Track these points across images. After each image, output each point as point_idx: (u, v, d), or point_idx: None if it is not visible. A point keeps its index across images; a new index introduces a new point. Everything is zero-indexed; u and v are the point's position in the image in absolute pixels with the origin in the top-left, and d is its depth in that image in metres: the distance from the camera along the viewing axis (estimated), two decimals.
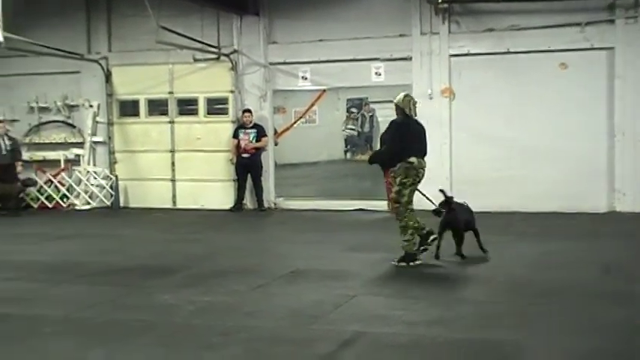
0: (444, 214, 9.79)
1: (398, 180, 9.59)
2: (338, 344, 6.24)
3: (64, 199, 16.84)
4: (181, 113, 16.66)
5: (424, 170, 9.66)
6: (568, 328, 6.67)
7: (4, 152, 15.86)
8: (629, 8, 14.05)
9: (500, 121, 14.67)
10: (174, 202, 16.67)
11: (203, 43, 15.57)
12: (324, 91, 16.29)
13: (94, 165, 17.00)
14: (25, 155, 16.58)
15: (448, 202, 9.88)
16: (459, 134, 14.88)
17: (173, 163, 16.67)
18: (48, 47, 15.17)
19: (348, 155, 24.98)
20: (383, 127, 24.83)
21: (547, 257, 10.13)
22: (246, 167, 15.70)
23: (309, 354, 6.08)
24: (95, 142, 16.98)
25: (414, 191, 9.64)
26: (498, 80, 14.70)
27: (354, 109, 24.90)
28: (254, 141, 15.61)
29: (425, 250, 9.64)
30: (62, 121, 17.41)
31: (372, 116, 25.57)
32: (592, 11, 14.19)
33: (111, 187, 16.68)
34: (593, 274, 8.95)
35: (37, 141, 17.33)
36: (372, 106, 25.24)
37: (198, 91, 16.37)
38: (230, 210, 15.73)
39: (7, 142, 15.97)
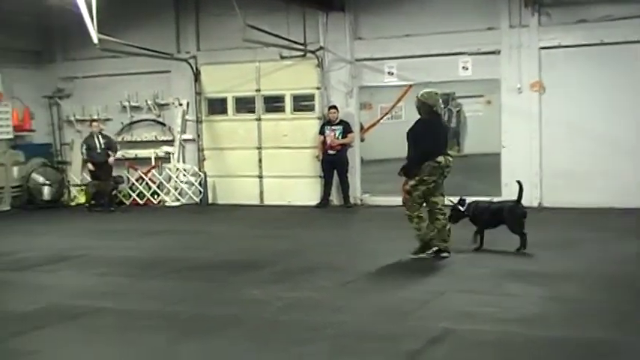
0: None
1: (419, 176, 9.49)
2: (426, 341, 6.16)
3: (155, 196, 17.20)
4: (268, 110, 16.77)
5: (450, 167, 9.61)
6: None
7: (98, 150, 16.34)
8: None
9: (593, 115, 14.22)
10: (261, 199, 16.80)
11: (289, 40, 15.64)
12: (411, 86, 16.10)
13: (184, 162, 17.30)
14: (118, 153, 16.98)
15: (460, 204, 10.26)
16: (549, 128, 14.50)
17: (260, 160, 16.81)
18: (139, 48, 15.49)
19: None
20: (470, 123, 24.76)
21: None
22: (332, 163, 15.69)
23: (396, 351, 6.03)
24: (184, 140, 17.27)
25: (429, 190, 9.55)
26: (591, 73, 14.23)
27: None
28: (340, 137, 15.60)
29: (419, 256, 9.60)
30: (153, 120, 17.77)
31: (459, 111, 25.33)
32: None
33: (200, 184, 16.94)
34: None
35: (128, 139, 17.73)
36: (458, 100, 25.01)
37: (284, 88, 16.44)
38: (316, 206, 15.75)
39: (102, 141, 16.43)
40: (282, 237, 12.29)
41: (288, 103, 16.54)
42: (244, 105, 16.96)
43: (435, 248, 9.62)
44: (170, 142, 17.33)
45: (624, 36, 13.90)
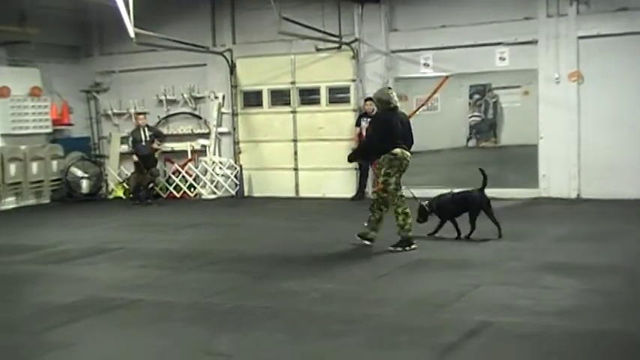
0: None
1: (383, 171, 9.91)
2: (463, 334, 6.13)
3: (191, 189, 17.32)
4: (303, 103, 16.79)
5: (408, 161, 9.95)
6: None
7: (144, 143, 16.51)
8: None
9: (632, 105, 14.00)
10: (296, 191, 16.84)
11: (324, 32, 15.62)
12: (447, 77, 16.01)
13: (220, 155, 17.39)
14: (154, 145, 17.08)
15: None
16: (588, 119, 14.31)
17: (295, 153, 16.84)
18: (175, 41, 15.58)
19: (471, 142, 24.60)
20: (507, 113, 24.54)
21: None
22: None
23: (433, 343, 6.01)
24: (220, 133, 17.36)
25: (399, 178, 9.92)
26: (631, 62, 13.99)
27: (477, 96, 24.51)
28: None
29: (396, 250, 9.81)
30: (189, 113, 17.88)
31: (495, 102, 25.11)
32: None
33: (235, 177, 17.01)
34: None
35: (165, 132, 17.87)
36: (495, 92, 24.80)
37: (319, 80, 16.44)
38: (351, 199, 15.74)
39: (148, 133, 16.60)
40: (318, 229, 12.30)
41: (323, 96, 16.54)
42: (280, 97, 17.00)
43: (414, 247, 9.86)
44: (206, 135, 17.43)
45: None
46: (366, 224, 10.20)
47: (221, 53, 17.12)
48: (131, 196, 16.92)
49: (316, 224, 12.92)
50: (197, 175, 17.33)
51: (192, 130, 17.74)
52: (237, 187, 16.94)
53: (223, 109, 17.21)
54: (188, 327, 6.78)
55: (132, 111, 18.02)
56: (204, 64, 17.37)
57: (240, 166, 17.06)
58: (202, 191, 17.19)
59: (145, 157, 16.51)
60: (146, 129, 16.63)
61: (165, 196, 17.37)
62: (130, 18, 13.10)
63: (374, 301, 7.41)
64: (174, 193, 17.34)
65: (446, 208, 10.54)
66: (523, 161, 16.19)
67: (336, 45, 16.04)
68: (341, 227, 12.40)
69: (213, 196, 17.04)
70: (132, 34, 13.42)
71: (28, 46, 16.35)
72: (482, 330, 6.23)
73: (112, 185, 18.17)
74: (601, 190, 14.06)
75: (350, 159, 11.31)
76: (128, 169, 17.63)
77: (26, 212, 15.95)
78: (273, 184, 16.88)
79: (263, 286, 8.30)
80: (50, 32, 16.71)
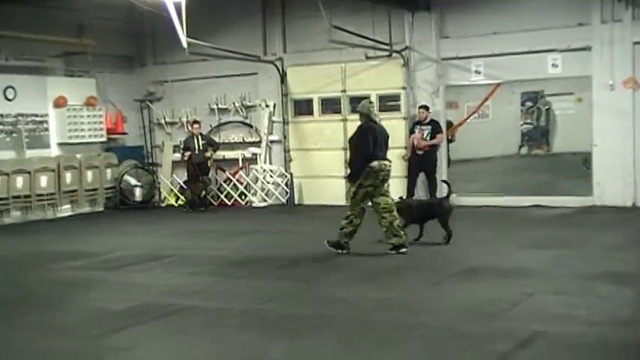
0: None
1: (357, 182, 10.18)
2: (516, 343, 6.08)
3: (242, 197, 17.45)
4: (354, 111, 16.77)
5: (386, 171, 10.31)
6: None
7: (196, 152, 16.72)
8: None
9: None
10: (347, 199, 16.78)
11: (375, 40, 15.63)
12: (498, 85, 15.89)
13: (270, 163, 17.50)
14: (207, 153, 17.25)
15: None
16: None
17: (346, 161, 16.82)
18: (227, 51, 15.73)
19: (523, 150, 24.34)
20: (560, 121, 24.24)
21: None
22: (419, 164, 15.51)
23: (486, 352, 5.97)
24: (271, 141, 17.47)
25: (368, 193, 10.25)
26: None
27: (529, 103, 24.24)
28: (428, 138, 15.42)
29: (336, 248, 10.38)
30: (240, 122, 18.02)
31: (548, 109, 24.79)
32: None
33: (286, 185, 17.10)
34: None
35: (217, 141, 18.03)
36: (547, 99, 24.49)
37: (370, 88, 16.40)
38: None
39: (202, 142, 16.82)
40: (368, 237, 12.25)
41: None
42: (330, 106, 17.04)
43: (345, 251, 10.34)
44: (257, 144, 17.55)
45: None
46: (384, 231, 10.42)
47: (272, 62, 17.24)
48: (186, 204, 17.12)
49: (366, 232, 12.88)
50: (248, 183, 17.46)
51: (243, 138, 17.87)
52: (288, 195, 17.01)
53: (274, 118, 17.33)
54: (241, 333, 6.83)
55: (184, 120, 18.24)
56: (256, 73, 17.51)
57: (291, 174, 17.14)
58: (253, 199, 17.32)
59: (198, 165, 16.70)
60: (200, 137, 16.83)
61: (216, 203, 17.53)
62: (182, 28, 13.27)
63: (427, 309, 7.38)
64: (226, 200, 17.50)
65: (410, 213, 10.96)
66: (576, 169, 15.97)
67: (387, 53, 16.03)
68: None
69: (263, 204, 17.14)
70: (184, 44, 13.60)
71: (85, 57, 16.68)
72: (536, 339, 6.17)
73: (164, 193, 18.41)
74: None
75: (350, 179, 10.81)
76: (180, 177, 17.85)
77: (81, 219, 16.25)
78: (324, 192, 16.91)
79: (315, 293, 8.32)
80: (105, 43, 17.02)
